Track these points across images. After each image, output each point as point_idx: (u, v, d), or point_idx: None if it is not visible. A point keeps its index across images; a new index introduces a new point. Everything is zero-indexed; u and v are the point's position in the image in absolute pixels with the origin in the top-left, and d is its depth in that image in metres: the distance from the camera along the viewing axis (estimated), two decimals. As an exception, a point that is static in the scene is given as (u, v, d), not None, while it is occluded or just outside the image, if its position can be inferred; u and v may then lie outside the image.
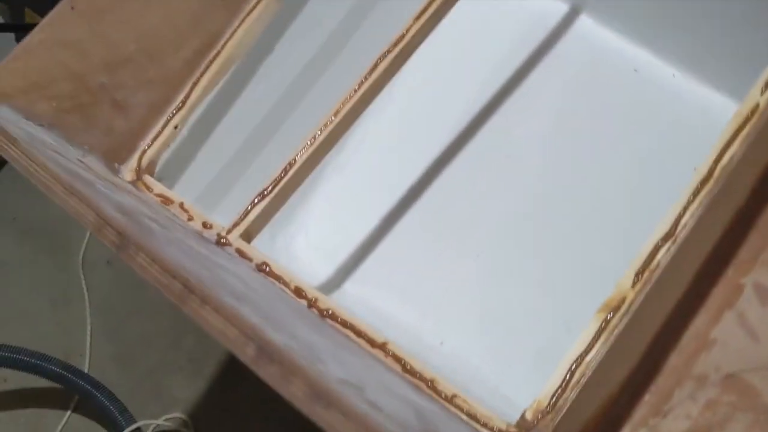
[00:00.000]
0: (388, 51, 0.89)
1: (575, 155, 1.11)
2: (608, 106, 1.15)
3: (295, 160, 0.84)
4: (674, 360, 0.78)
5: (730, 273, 0.81)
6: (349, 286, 1.06)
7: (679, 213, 0.69)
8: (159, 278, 0.50)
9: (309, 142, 0.85)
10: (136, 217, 0.63)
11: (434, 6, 0.89)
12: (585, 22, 1.21)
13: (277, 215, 0.84)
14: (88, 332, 1.84)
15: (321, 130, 0.86)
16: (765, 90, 0.73)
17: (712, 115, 1.10)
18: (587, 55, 1.19)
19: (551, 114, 1.15)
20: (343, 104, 0.87)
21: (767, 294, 0.80)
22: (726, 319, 0.79)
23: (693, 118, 1.11)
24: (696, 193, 0.70)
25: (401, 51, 0.89)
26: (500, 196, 1.08)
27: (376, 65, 0.89)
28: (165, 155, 0.91)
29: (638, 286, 0.68)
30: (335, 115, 0.87)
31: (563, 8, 1.22)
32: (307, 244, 1.07)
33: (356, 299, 1.04)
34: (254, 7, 0.98)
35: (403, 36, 0.89)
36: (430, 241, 1.07)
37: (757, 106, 0.72)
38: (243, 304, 0.52)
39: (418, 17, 0.89)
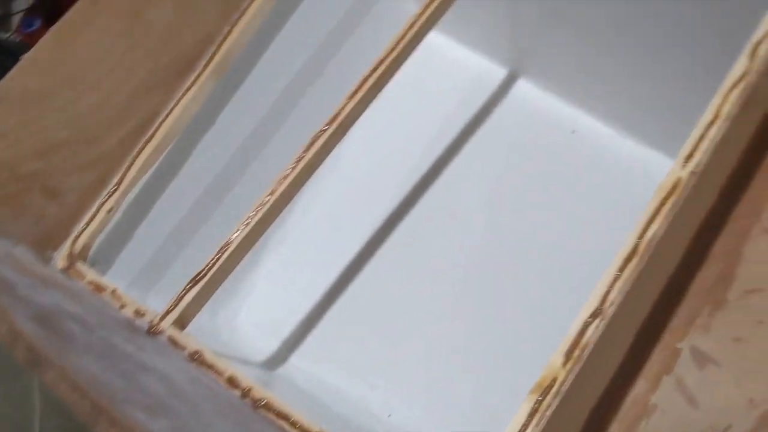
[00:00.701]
0: (323, 130, 0.89)
1: (517, 220, 1.12)
2: (548, 167, 1.17)
3: (230, 242, 0.83)
4: (615, 428, 0.78)
5: (667, 338, 0.81)
6: (296, 360, 1.05)
7: (606, 290, 0.69)
8: (69, 397, 0.49)
9: (245, 224, 0.85)
10: (57, 321, 0.61)
11: (368, 84, 0.90)
12: (523, 86, 1.24)
13: (218, 290, 0.83)
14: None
15: (256, 211, 0.85)
16: (686, 163, 0.75)
17: (651, 174, 1.12)
18: (526, 118, 1.22)
19: (492, 178, 1.16)
20: (279, 183, 0.87)
21: (704, 358, 0.80)
22: (665, 384, 0.80)
23: (631, 178, 1.13)
24: (622, 268, 0.71)
25: (337, 129, 0.90)
26: (444, 264, 1.08)
27: (312, 143, 0.90)
28: (99, 238, 0.89)
29: (569, 365, 0.68)
30: (271, 194, 0.87)
31: (502, 72, 1.25)
32: (251, 318, 1.06)
33: (303, 373, 1.03)
34: (192, 85, 0.98)
35: (337, 115, 0.89)
36: (377, 311, 1.07)
37: (680, 180, 0.74)
38: (158, 418, 0.51)
39: (352, 95, 0.90)
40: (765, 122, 0.91)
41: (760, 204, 0.89)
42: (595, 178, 1.14)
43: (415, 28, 0.91)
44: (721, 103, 0.76)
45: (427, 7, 0.91)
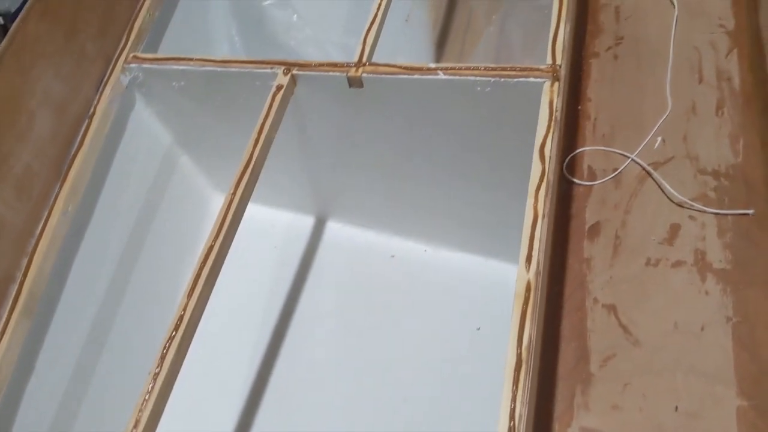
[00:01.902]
0: (171, 336, 0.84)
1: (363, 351, 1.14)
2: (377, 293, 1.21)
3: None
4: None
5: (557, 427, 0.86)
6: None
7: (511, 408, 0.72)
8: None
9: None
10: None
11: (202, 278, 0.87)
12: (333, 227, 1.28)
13: None
14: None
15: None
16: (528, 265, 0.81)
17: (471, 278, 1.20)
18: (347, 255, 1.25)
19: (333, 313, 1.18)
20: (140, 411, 0.80)
21: (595, 434, 0.86)
22: (572, 474, 0.84)
23: (450, 282, 1.20)
24: (516, 381, 0.74)
25: (185, 332, 0.85)
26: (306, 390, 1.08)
27: (164, 354, 0.84)
28: None
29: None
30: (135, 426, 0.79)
31: (310, 220, 1.28)
32: None
33: None
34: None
35: (181, 318, 0.85)
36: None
37: (529, 283, 0.80)
38: None
39: (190, 292, 0.86)
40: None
41: (581, 275, 1.00)
42: (419, 290, 1.20)
43: (232, 211, 0.91)
44: (534, 203, 0.85)
45: (236, 187, 0.92)
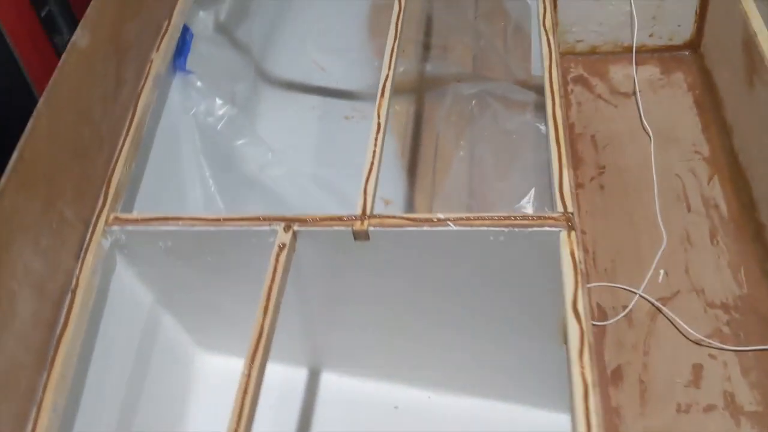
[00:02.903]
0: None
1: None
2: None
3: None
4: None
5: None
6: None
7: None
8: None
9: None
10: None
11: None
12: (330, 379, 1.20)
13: None
14: None
15: None
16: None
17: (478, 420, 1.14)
18: (346, 409, 1.18)
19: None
20: None
21: None
22: None
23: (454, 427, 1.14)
24: None
25: None
26: None
27: None
28: None
29: None
30: None
31: (304, 373, 1.20)
32: None
33: None
34: None
35: None
36: None
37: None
38: None
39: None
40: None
41: (613, 427, 0.96)
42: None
43: (249, 395, 0.83)
44: (581, 370, 0.80)
45: (250, 366, 0.84)
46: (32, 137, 0.95)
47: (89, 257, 0.98)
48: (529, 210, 1.40)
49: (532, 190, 1.43)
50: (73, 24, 2.42)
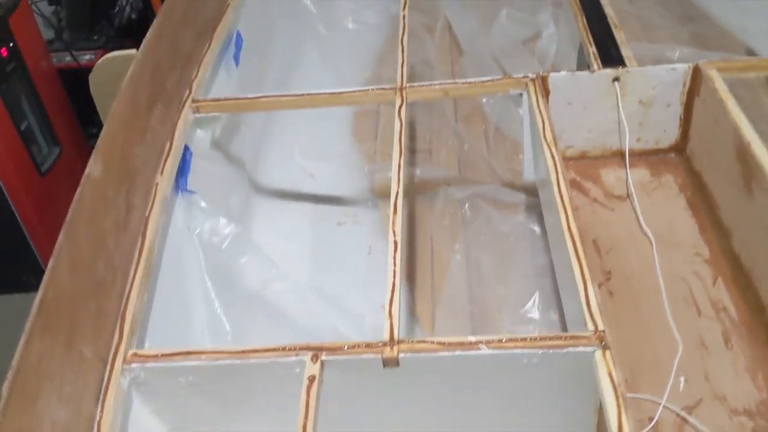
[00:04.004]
0: None
1: None
2: None
3: None
4: None
5: None
6: None
7: None
8: None
9: None
10: None
11: None
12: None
13: None
14: None
15: None
16: None
17: None
18: None
19: None
20: None
21: None
22: None
23: None
24: None
25: None
26: None
27: None
28: None
29: None
30: None
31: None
32: None
33: None
34: None
35: None
36: None
37: None
38: None
39: None
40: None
41: None
42: None
43: None
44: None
45: None
46: (54, 275, 0.93)
47: (109, 400, 0.94)
48: (536, 315, 1.41)
49: (536, 294, 1.43)
50: (51, 137, 2.42)
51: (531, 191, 1.63)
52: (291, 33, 2.25)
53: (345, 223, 1.75)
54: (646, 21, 2.29)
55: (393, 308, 1.04)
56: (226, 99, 1.51)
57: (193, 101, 1.45)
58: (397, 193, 1.24)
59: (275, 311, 1.40)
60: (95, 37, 2.84)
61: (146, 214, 1.18)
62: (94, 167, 1.10)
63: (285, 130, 1.91)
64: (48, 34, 2.82)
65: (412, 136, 1.97)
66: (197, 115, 1.46)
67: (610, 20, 1.63)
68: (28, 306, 0.88)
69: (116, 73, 1.41)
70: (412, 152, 1.92)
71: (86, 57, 2.64)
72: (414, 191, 1.76)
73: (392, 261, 1.12)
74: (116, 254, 1.08)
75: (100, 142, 1.14)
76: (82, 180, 1.06)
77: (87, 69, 2.62)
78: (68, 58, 2.62)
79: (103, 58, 1.55)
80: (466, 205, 1.67)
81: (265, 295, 1.40)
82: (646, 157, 1.54)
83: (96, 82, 1.57)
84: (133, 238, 1.13)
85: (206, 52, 1.58)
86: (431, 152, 1.92)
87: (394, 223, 1.18)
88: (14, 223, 2.11)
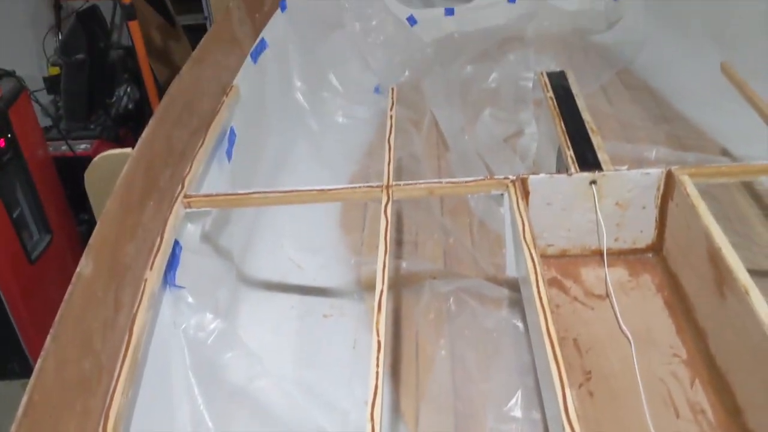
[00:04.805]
0: None
1: None
2: None
3: None
4: None
5: None
6: None
7: None
8: None
9: None
10: None
11: None
12: None
13: None
14: None
15: None
16: None
17: None
18: None
19: None
20: None
21: None
22: None
23: None
24: None
25: None
26: None
27: None
28: None
29: None
30: None
31: None
32: None
33: None
34: None
35: None
36: None
37: None
38: None
39: None
40: None
41: None
42: None
43: None
44: None
45: None
46: (40, 377, 0.94)
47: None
48: (518, 414, 1.41)
49: (519, 392, 1.44)
50: (43, 225, 2.46)
51: (514, 286, 1.67)
52: (283, 127, 2.32)
53: (331, 315, 1.76)
54: (625, 121, 2.40)
55: (375, 411, 1.06)
56: (217, 195, 1.56)
57: (185, 196, 1.50)
58: (382, 291, 1.27)
59: (259, 408, 1.40)
60: (92, 126, 2.93)
61: (134, 311, 1.20)
62: (85, 266, 1.12)
63: (275, 220, 1.95)
64: (45, 121, 2.90)
65: (398, 229, 2.01)
66: (188, 210, 1.51)
67: (587, 125, 1.71)
68: (12, 393, 0.89)
69: (111, 171, 1.46)
70: (398, 244, 1.96)
71: (82, 146, 2.72)
72: (400, 284, 1.79)
73: (375, 362, 1.13)
74: (103, 353, 1.10)
75: (92, 240, 1.17)
76: (73, 279, 1.09)
77: (82, 158, 2.70)
78: (64, 147, 2.69)
79: (99, 155, 1.60)
80: (451, 300, 1.70)
81: (249, 391, 1.40)
82: (624, 256, 1.59)
83: (91, 180, 1.62)
84: (120, 336, 1.15)
85: (199, 148, 1.64)
86: (417, 244, 1.96)
87: (378, 322, 1.21)
88: (1, 310, 2.12)
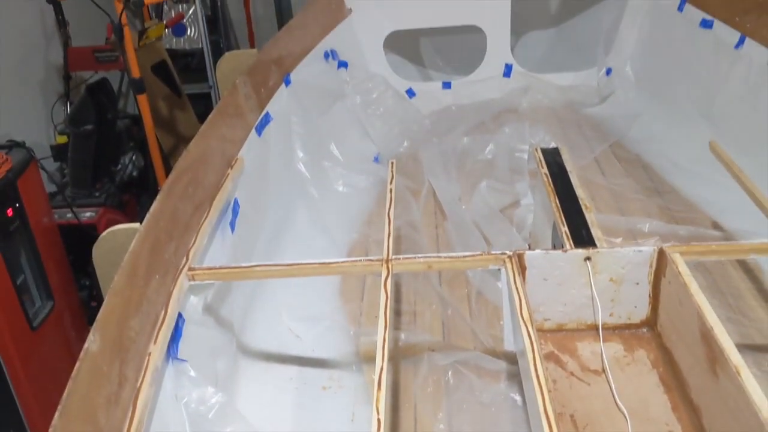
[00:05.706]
0: None
1: None
2: None
3: None
4: None
5: None
6: None
7: None
8: None
9: None
10: None
11: None
12: None
13: None
14: None
15: None
16: None
17: None
18: None
19: None
20: None
21: None
22: None
23: None
24: None
25: None
26: None
27: None
28: None
29: None
30: None
31: None
32: None
33: None
34: None
35: None
36: None
37: None
38: None
39: None
40: None
41: None
42: None
43: None
44: None
45: None
46: (48, 456, 0.96)
47: None
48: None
49: (516, 471, 1.45)
50: (45, 292, 2.47)
51: (511, 359, 1.68)
52: (285, 196, 2.37)
53: (330, 387, 1.77)
54: (618, 193, 2.45)
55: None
56: (221, 267, 1.60)
57: (189, 269, 1.53)
58: (382, 368, 1.29)
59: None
60: (96, 194, 2.98)
61: (137, 386, 1.22)
62: (92, 342, 1.15)
63: (275, 289, 1.98)
64: (50, 187, 2.95)
65: (397, 298, 2.03)
66: (192, 283, 1.54)
67: (581, 201, 1.76)
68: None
69: (119, 245, 1.50)
70: (397, 314, 1.98)
71: (87, 214, 2.76)
72: (399, 356, 1.80)
73: (373, 443, 1.15)
74: (106, 429, 1.12)
75: (99, 316, 1.20)
76: (81, 355, 1.11)
77: (87, 225, 2.73)
78: (69, 215, 2.73)
79: (107, 231, 1.65)
80: (450, 373, 1.71)
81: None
82: (619, 331, 1.62)
83: (99, 254, 1.66)
84: (123, 411, 1.17)
85: (204, 221, 1.68)
86: (415, 314, 1.98)
87: (378, 399, 1.22)
88: (1, 378, 2.12)
